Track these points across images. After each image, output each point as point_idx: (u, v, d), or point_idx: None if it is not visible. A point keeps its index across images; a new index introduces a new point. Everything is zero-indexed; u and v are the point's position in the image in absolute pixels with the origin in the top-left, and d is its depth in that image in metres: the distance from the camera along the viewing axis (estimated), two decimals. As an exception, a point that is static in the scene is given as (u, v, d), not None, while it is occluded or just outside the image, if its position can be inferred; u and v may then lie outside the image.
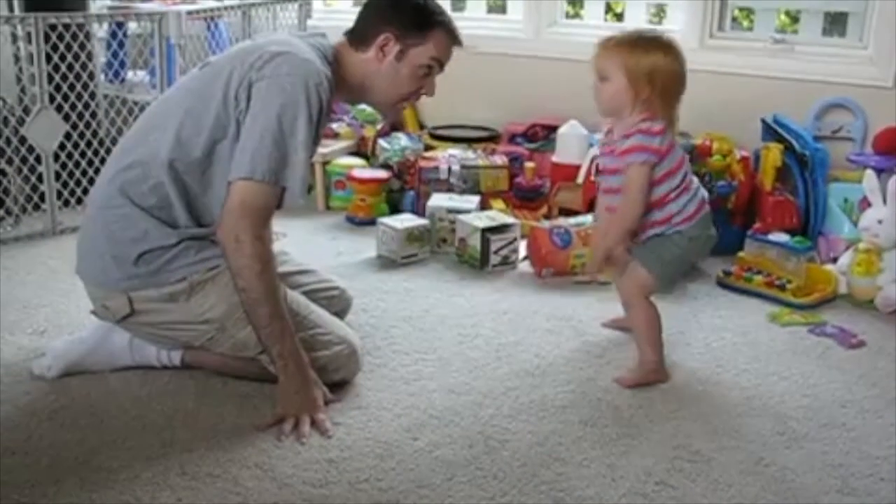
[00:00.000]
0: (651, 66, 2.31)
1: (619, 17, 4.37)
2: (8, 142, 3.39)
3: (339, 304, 2.60)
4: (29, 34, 3.32)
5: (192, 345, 2.31)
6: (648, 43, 2.35)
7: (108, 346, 2.38)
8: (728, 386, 2.40)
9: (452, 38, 2.38)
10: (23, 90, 3.50)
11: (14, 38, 3.48)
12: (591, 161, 3.34)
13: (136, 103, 3.75)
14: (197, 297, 2.23)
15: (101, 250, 2.28)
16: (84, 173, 3.57)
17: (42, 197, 3.47)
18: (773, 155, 3.32)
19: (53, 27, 3.38)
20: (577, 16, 4.32)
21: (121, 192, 2.24)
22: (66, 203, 3.55)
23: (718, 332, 2.73)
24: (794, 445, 2.12)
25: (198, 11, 3.85)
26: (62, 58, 3.41)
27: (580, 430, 2.15)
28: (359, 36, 2.35)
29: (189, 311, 2.24)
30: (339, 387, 2.29)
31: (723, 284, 3.07)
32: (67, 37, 3.42)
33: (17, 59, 3.49)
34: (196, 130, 2.19)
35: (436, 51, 2.35)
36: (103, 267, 2.27)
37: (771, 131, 3.41)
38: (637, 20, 4.16)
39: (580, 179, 3.39)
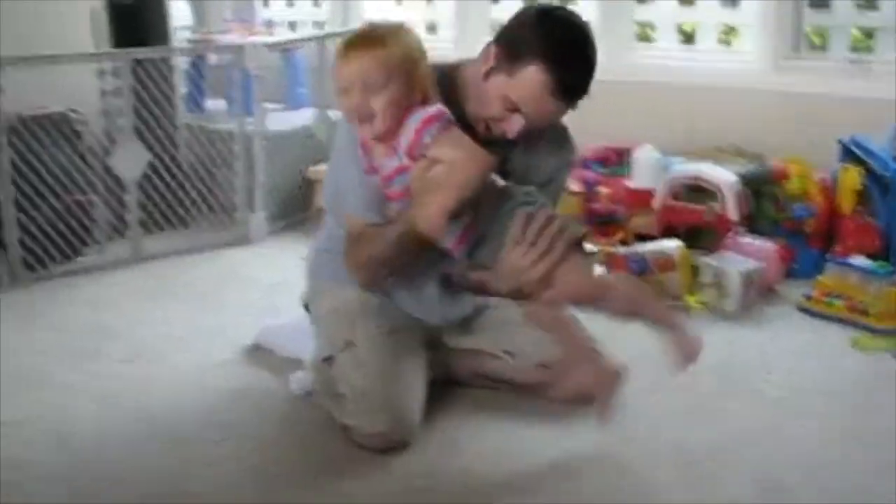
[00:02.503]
0: None
1: (690, 38, 4.37)
2: (95, 172, 3.49)
3: None
4: (116, 69, 3.41)
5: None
6: None
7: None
8: (813, 415, 2.37)
9: (553, 79, 2.06)
10: (108, 122, 3.59)
11: (101, 73, 3.58)
12: (667, 186, 3.35)
13: (215, 132, 3.84)
14: None
15: None
16: (166, 201, 3.66)
17: (126, 225, 3.56)
18: (852, 177, 3.28)
19: (139, 62, 3.48)
20: (647, 39, 4.33)
21: None
22: (150, 230, 3.65)
23: (800, 359, 2.70)
24: (885, 475, 2.08)
25: (276, 44, 3.94)
26: (147, 90, 3.51)
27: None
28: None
29: None
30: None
31: (803, 309, 3.04)
32: (152, 70, 3.52)
33: (103, 92, 3.58)
34: None
35: (516, 91, 2.09)
36: None
37: (849, 153, 3.37)
38: (708, 41, 4.16)
39: (656, 204, 3.38)
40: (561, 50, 2.07)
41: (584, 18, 2.19)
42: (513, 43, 2.09)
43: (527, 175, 2.26)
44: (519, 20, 2.15)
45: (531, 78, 2.06)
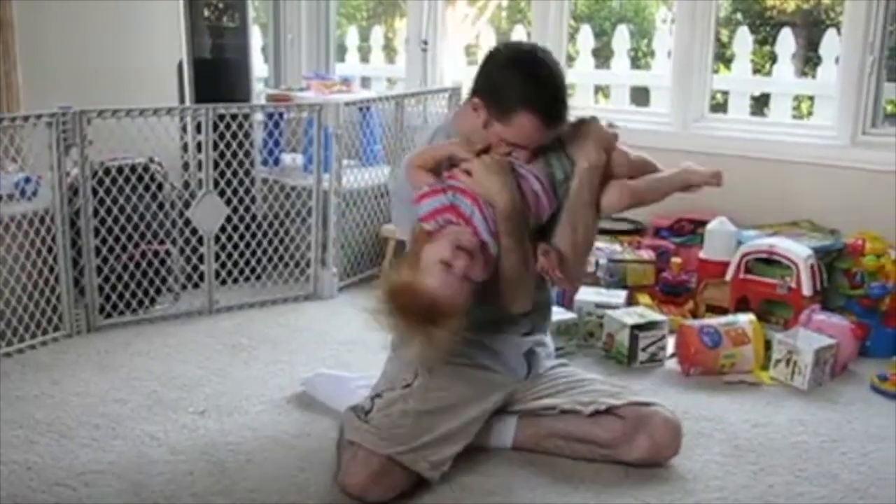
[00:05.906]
0: None
1: (764, 103, 4.35)
2: (173, 223, 3.57)
3: None
4: (199, 124, 3.50)
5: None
6: None
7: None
8: (890, 500, 2.32)
9: (544, 120, 2.26)
10: (187, 175, 3.67)
11: (184, 127, 3.66)
12: (741, 258, 3.33)
13: (293, 188, 3.90)
14: None
15: None
16: (241, 254, 3.72)
17: (201, 276, 3.63)
18: (931, 256, 3.25)
19: (221, 117, 3.56)
20: (722, 109, 4.34)
21: None
22: (224, 282, 3.71)
23: (875, 442, 2.65)
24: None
25: (354, 102, 4.00)
26: (227, 145, 3.58)
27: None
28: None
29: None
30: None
31: (878, 390, 2.99)
32: (233, 125, 3.59)
33: (185, 146, 3.66)
34: None
35: (515, 136, 2.29)
36: None
37: (928, 231, 3.34)
38: (782, 114, 4.16)
39: (728, 276, 3.37)
40: (543, 94, 2.26)
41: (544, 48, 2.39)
42: (496, 93, 2.28)
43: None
44: (492, 68, 2.33)
45: (525, 124, 2.26)
